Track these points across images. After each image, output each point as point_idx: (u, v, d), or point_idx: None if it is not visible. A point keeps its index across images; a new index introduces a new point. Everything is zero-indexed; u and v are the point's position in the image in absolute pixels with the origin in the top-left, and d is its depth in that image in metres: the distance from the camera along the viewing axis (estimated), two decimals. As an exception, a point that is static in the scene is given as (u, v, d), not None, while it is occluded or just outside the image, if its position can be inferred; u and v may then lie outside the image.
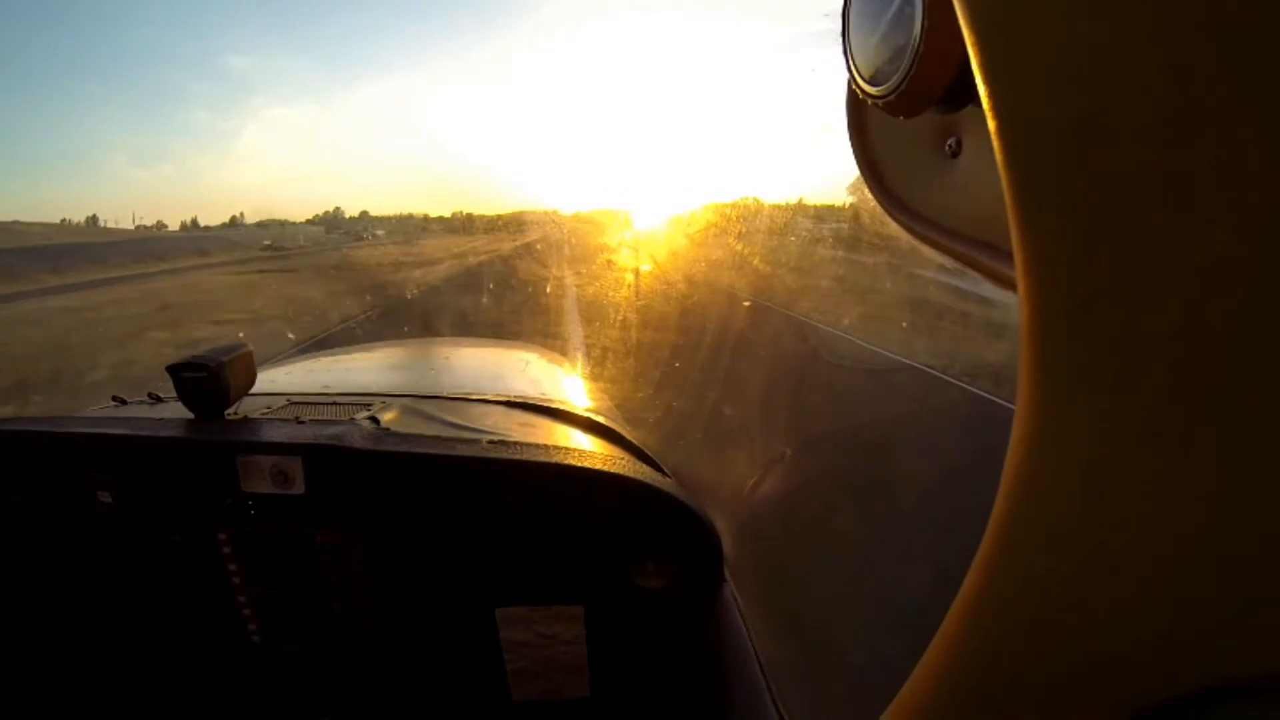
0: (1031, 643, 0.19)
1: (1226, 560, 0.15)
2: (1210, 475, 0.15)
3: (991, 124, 0.16)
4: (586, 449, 1.00)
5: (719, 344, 6.38)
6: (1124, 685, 0.17)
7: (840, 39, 0.29)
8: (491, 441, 0.91)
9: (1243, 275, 0.13)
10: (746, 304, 9.30)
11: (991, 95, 0.16)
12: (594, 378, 3.82)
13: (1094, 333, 0.16)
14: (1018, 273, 0.17)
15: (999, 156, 0.16)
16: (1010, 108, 0.16)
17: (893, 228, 0.34)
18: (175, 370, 0.91)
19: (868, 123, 0.35)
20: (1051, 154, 0.16)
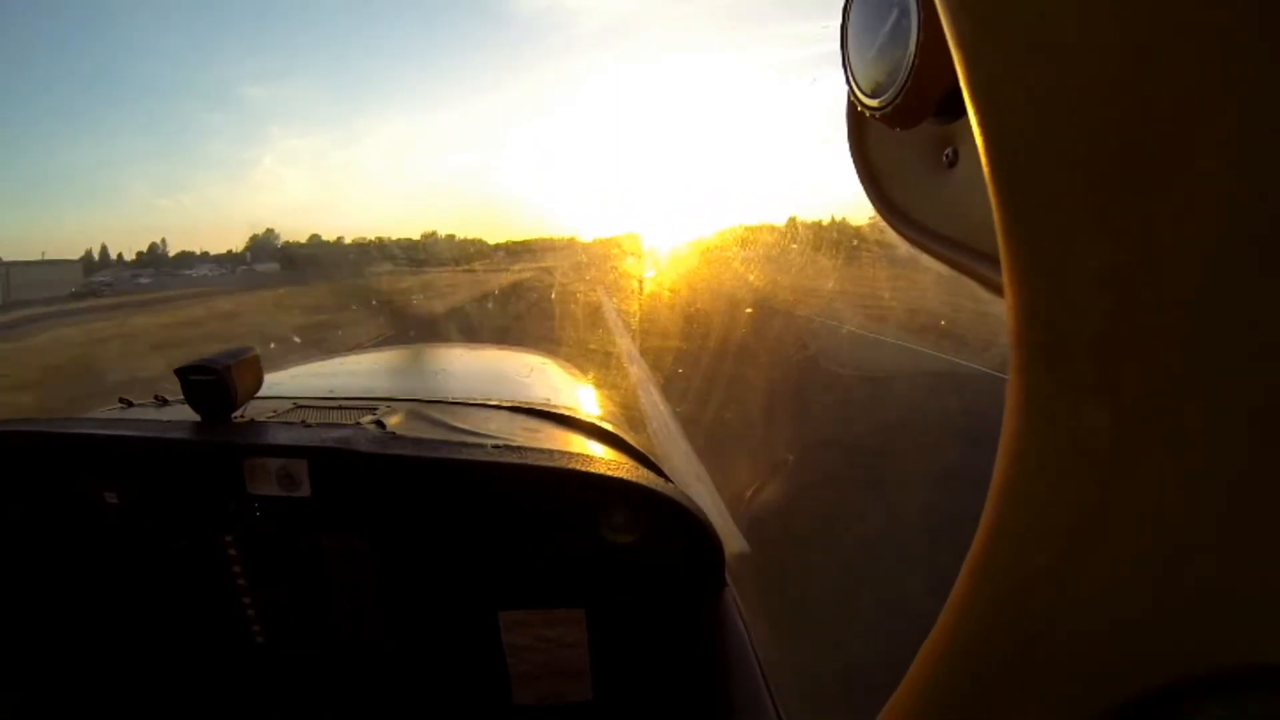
0: (1019, 641, 0.20)
1: (1205, 556, 0.16)
2: (1189, 475, 0.15)
3: (979, 139, 0.17)
4: (590, 454, 1.00)
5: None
6: (1108, 679, 0.18)
7: (839, 52, 0.30)
8: (496, 446, 0.91)
9: (1210, 283, 0.14)
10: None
11: (978, 112, 0.17)
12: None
13: (1075, 339, 0.16)
14: (1004, 280, 0.17)
15: (985, 170, 0.17)
16: (995, 124, 0.16)
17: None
18: (183, 373, 0.92)
19: (867, 133, 0.35)
20: (1033, 168, 0.16)
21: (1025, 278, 0.17)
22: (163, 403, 1.17)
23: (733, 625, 0.90)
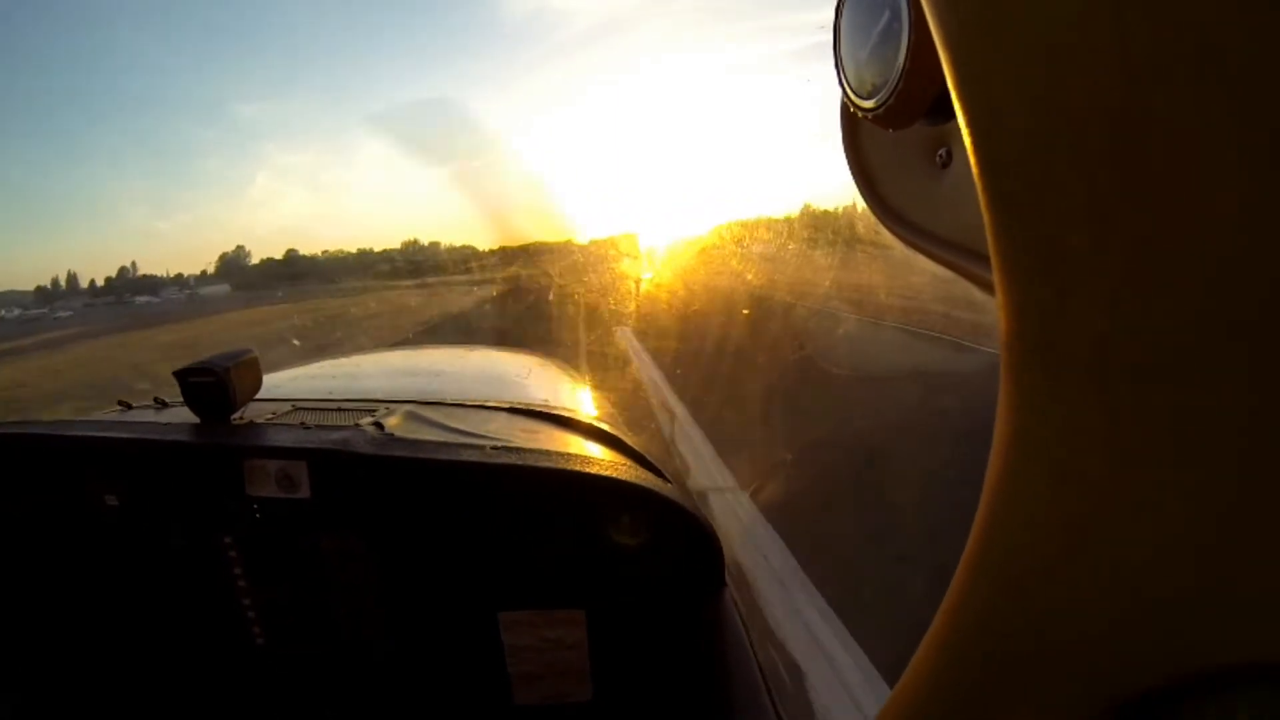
0: (1016, 640, 0.20)
1: (1203, 554, 0.16)
2: (1185, 474, 0.15)
3: (967, 141, 0.17)
4: (589, 455, 1.00)
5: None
6: (1107, 679, 0.18)
7: (832, 54, 0.30)
8: (495, 447, 0.91)
9: (1198, 283, 0.14)
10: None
11: (967, 113, 0.17)
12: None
13: (1067, 339, 0.16)
14: (995, 279, 0.18)
15: (975, 171, 0.17)
16: (984, 126, 0.17)
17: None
18: (182, 375, 0.92)
19: (861, 134, 0.35)
20: (1022, 169, 0.16)
21: (1016, 278, 0.17)
22: (162, 405, 1.17)
23: (732, 625, 0.90)
